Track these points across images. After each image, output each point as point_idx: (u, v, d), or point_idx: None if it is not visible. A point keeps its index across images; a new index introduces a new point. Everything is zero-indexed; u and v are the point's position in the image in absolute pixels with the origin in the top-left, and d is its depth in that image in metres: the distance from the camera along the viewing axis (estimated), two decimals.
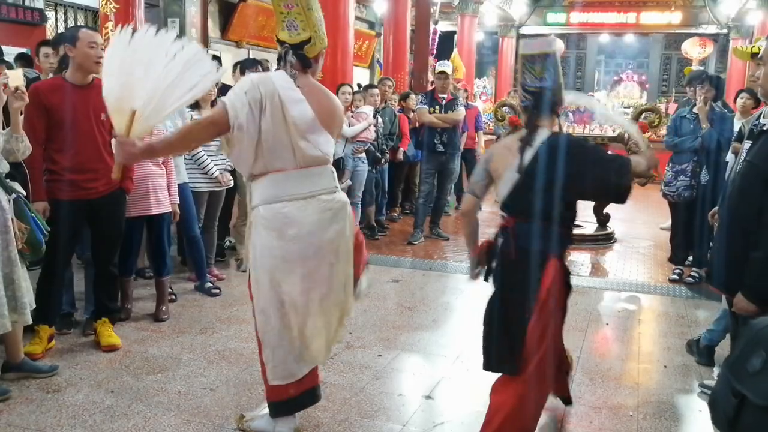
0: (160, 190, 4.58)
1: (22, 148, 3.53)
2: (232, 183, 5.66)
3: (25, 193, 3.61)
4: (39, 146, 3.81)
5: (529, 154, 2.83)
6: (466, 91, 11.20)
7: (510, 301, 2.92)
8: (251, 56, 12.23)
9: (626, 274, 6.41)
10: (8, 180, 3.52)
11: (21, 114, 3.54)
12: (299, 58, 2.94)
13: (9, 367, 3.63)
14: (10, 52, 7.88)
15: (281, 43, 2.99)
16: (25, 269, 3.57)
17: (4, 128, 3.50)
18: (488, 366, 3.02)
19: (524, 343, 2.80)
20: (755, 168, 2.67)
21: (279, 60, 2.99)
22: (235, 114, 2.76)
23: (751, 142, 2.83)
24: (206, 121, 2.93)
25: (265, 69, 6.53)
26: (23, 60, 6.99)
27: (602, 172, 2.77)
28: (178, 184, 5.02)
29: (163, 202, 4.60)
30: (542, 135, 2.84)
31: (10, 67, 5.25)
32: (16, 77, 3.49)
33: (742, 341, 2.20)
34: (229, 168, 5.59)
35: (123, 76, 2.73)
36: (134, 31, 2.77)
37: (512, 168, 2.88)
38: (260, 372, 3.11)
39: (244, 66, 6.08)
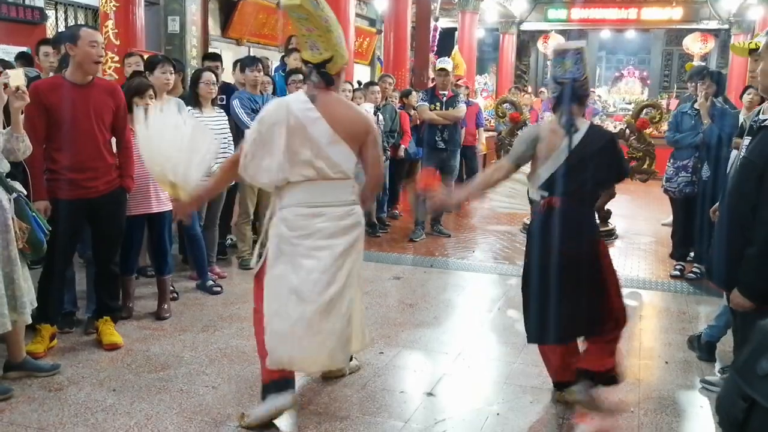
0: (161, 188, 4.58)
1: (23, 148, 3.53)
2: (232, 181, 5.66)
3: (26, 193, 3.61)
4: (39, 145, 3.82)
5: (576, 138, 3.16)
6: (467, 88, 11.20)
7: (567, 275, 3.16)
8: (251, 54, 12.24)
9: (627, 270, 6.41)
10: (9, 179, 3.53)
11: (21, 113, 3.54)
12: (322, 76, 3.15)
13: (11, 366, 3.64)
14: (11, 51, 7.90)
15: (306, 62, 3.22)
16: (27, 268, 3.58)
17: (4, 127, 3.50)
18: (563, 337, 3.34)
19: (607, 306, 3.25)
20: (750, 164, 2.67)
21: (304, 78, 3.59)
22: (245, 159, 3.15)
23: (750, 137, 2.83)
24: (229, 164, 3.30)
25: (265, 66, 6.53)
26: (24, 59, 6.99)
27: (623, 166, 3.50)
28: None
29: (163, 200, 4.61)
30: (584, 122, 3.24)
31: (10, 66, 5.25)
32: (17, 77, 3.48)
33: (752, 343, 2.17)
34: None
35: (152, 154, 3.29)
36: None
37: (561, 150, 3.17)
38: (258, 357, 3.31)
39: (244, 64, 6.07)
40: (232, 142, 5.60)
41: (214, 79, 5.47)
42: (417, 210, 3.12)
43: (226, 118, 5.60)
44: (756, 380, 2.00)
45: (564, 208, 3.20)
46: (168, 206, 4.65)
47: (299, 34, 3.18)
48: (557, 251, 3.16)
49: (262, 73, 6.08)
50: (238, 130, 5.80)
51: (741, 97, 5.77)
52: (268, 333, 3.13)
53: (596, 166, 3.17)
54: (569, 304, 3.15)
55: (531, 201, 3.42)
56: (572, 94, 3.17)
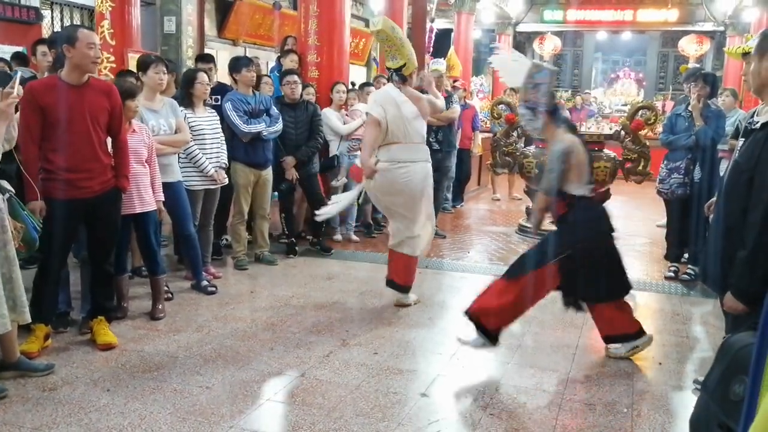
0: (144, 188, 4.57)
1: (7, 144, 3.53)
2: (227, 181, 5.67)
3: (14, 191, 3.60)
4: (35, 145, 3.82)
5: None
6: (464, 90, 11.20)
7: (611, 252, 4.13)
8: (247, 54, 12.25)
9: None
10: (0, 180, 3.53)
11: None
12: (400, 77, 5.03)
13: (5, 365, 3.64)
14: (6, 51, 7.89)
15: (389, 68, 5.12)
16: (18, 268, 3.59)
17: None
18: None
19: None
20: (740, 166, 2.69)
21: (389, 79, 5.25)
22: (380, 116, 4.89)
23: (744, 139, 2.84)
24: (371, 126, 4.94)
25: (256, 66, 6.53)
26: (19, 59, 6.98)
27: None
28: (172, 183, 5.03)
29: (147, 200, 4.59)
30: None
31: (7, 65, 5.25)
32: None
33: (721, 363, 2.12)
34: (224, 165, 5.59)
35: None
36: None
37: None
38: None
39: (241, 64, 6.07)
40: (224, 143, 5.61)
41: (207, 79, 5.49)
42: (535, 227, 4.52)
43: (218, 118, 5.61)
44: (730, 406, 1.95)
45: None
46: (152, 206, 4.64)
47: (383, 49, 5.02)
48: (611, 228, 4.13)
49: (254, 74, 6.08)
50: (231, 130, 5.82)
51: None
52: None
53: None
54: (622, 268, 4.16)
55: (569, 197, 4.03)
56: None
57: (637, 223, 8.94)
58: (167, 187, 4.92)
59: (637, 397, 3.69)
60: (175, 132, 5.07)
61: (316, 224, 6.64)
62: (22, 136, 3.76)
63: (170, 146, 5.01)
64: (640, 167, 7.45)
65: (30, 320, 3.58)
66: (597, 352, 4.39)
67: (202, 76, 5.44)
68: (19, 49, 7.95)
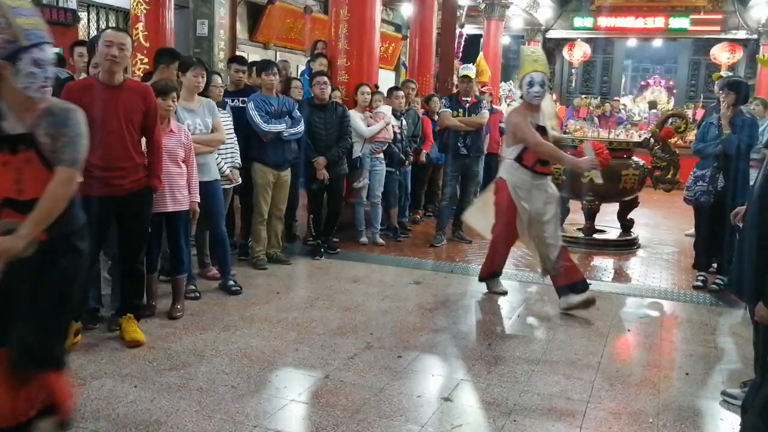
0: (178, 188, 4.63)
1: None
2: (240, 180, 5.73)
3: None
4: None
5: None
6: (491, 95, 11.18)
7: None
8: (278, 58, 12.35)
9: (649, 280, 6.37)
10: None
11: None
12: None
13: None
14: None
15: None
16: None
17: None
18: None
19: None
20: None
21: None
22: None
23: None
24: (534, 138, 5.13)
25: (282, 69, 6.60)
26: (61, 62, 7.11)
27: None
28: (210, 182, 5.11)
29: (180, 200, 4.66)
30: None
31: None
32: None
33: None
34: (238, 165, 5.65)
35: None
36: None
37: None
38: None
39: (260, 68, 6.15)
40: (237, 143, 5.68)
41: (221, 81, 5.70)
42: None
43: (231, 117, 5.70)
44: None
45: None
46: (184, 206, 4.70)
47: (530, 61, 5.37)
48: None
49: (277, 77, 6.15)
50: (249, 130, 5.89)
51: None
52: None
53: None
54: None
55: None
56: None
57: (665, 231, 8.85)
58: (203, 186, 5.01)
59: (663, 408, 3.65)
60: (212, 132, 5.15)
61: (329, 224, 6.75)
62: None
63: (205, 145, 5.08)
64: (669, 175, 7.38)
65: None
66: (622, 361, 4.36)
67: (216, 79, 5.57)
68: (57, 50, 8.09)
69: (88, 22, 10.29)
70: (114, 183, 4.04)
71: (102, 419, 3.24)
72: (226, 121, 5.55)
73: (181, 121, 4.90)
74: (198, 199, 4.81)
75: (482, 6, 16.05)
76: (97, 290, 4.59)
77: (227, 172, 5.50)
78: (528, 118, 5.11)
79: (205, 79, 5.16)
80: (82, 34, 9.50)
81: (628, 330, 4.95)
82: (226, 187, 5.59)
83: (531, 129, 5.06)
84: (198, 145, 4.96)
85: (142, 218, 4.27)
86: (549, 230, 5.20)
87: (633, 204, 7.89)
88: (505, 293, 5.64)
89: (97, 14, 10.50)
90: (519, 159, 5.17)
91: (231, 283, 5.38)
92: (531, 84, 5.13)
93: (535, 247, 5.32)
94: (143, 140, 4.22)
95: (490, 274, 5.64)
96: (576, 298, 5.12)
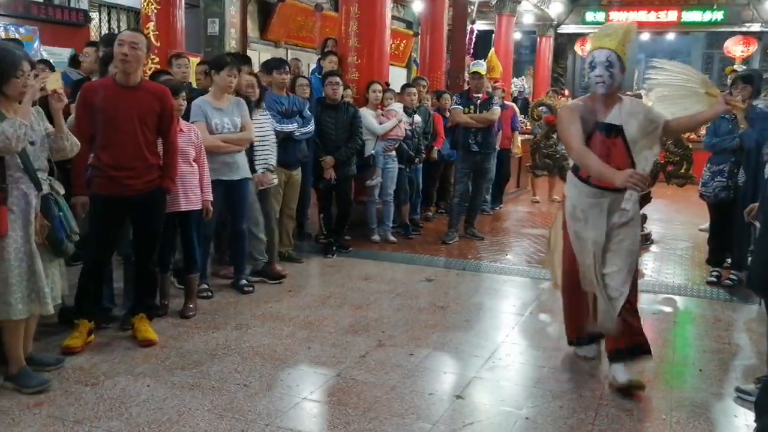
0: (190, 187, 4.64)
1: (68, 146, 3.64)
2: (275, 181, 5.73)
3: (63, 192, 3.71)
4: (85, 143, 3.92)
5: None
6: (503, 91, 11.15)
7: None
8: (289, 56, 12.36)
9: (662, 276, 6.33)
10: (50, 178, 3.63)
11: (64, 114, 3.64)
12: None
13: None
14: (56, 53, 8.10)
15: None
16: (62, 264, 3.72)
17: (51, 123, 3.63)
18: None
19: None
20: None
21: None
22: None
23: None
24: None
25: (294, 68, 6.59)
26: (75, 62, 7.17)
27: None
28: (238, 180, 5.14)
29: (192, 199, 4.67)
30: None
31: (52, 68, 5.38)
32: (54, 80, 3.60)
33: None
34: (272, 168, 5.65)
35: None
36: None
37: None
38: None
39: (271, 66, 6.14)
40: (274, 144, 5.71)
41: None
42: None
43: (270, 118, 5.71)
44: None
45: None
46: (197, 206, 4.71)
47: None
48: None
49: (289, 76, 6.14)
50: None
51: None
52: None
53: None
54: None
55: None
56: None
57: (678, 226, 8.80)
58: (231, 184, 5.05)
59: (676, 404, 3.63)
60: (240, 131, 5.15)
61: (339, 223, 6.75)
62: (74, 133, 3.87)
63: (233, 144, 5.09)
64: (683, 170, 7.32)
65: (52, 312, 3.62)
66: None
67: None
68: (68, 50, 8.14)
69: (100, 23, 10.35)
70: (125, 183, 4.05)
71: (115, 418, 3.25)
72: (263, 122, 5.58)
73: (208, 120, 4.93)
74: (210, 198, 4.82)
75: (493, 2, 16.00)
76: (109, 290, 4.61)
77: (259, 173, 5.52)
78: (580, 113, 3.74)
79: (236, 79, 5.16)
80: (93, 35, 9.55)
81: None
82: (261, 188, 5.61)
83: (574, 128, 3.69)
84: (225, 144, 4.98)
85: (155, 219, 4.28)
86: (613, 271, 3.79)
87: (645, 199, 7.83)
88: (592, 359, 4.17)
89: (109, 14, 10.56)
90: (575, 169, 3.93)
91: (244, 282, 5.39)
92: (592, 65, 3.74)
93: (599, 292, 3.82)
94: (159, 141, 4.24)
95: (576, 337, 4.17)
96: (622, 376, 3.73)
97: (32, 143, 3.49)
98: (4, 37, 7.72)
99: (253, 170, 5.39)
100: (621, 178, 3.37)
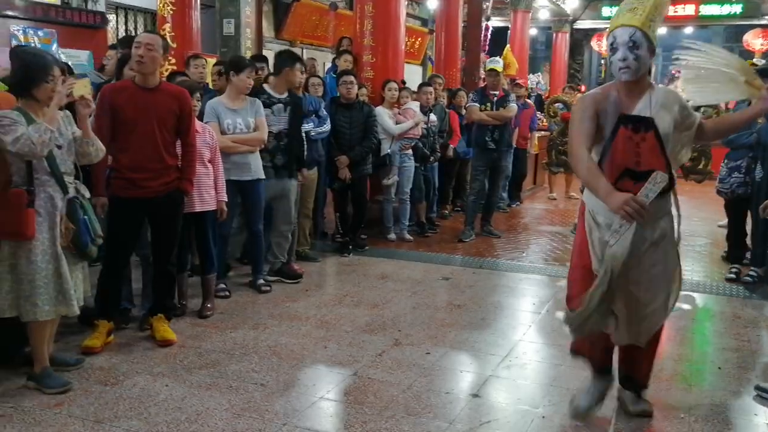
0: (205, 188, 4.66)
1: (94, 151, 3.68)
2: (303, 180, 5.82)
3: (89, 196, 3.75)
4: (104, 145, 3.96)
5: None
6: (526, 89, 11.09)
7: None
8: (305, 55, 12.37)
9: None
10: (76, 181, 3.68)
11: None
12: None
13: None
14: (74, 55, 8.16)
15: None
16: (86, 266, 3.77)
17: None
18: None
19: None
20: None
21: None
22: None
23: None
24: None
25: (311, 67, 6.61)
26: (91, 64, 7.25)
27: None
28: (250, 180, 5.15)
29: (207, 200, 4.69)
30: None
31: (72, 72, 5.43)
32: (81, 86, 3.59)
33: None
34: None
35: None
36: None
37: None
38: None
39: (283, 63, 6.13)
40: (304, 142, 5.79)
41: None
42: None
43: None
44: None
45: None
46: (211, 206, 4.73)
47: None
48: None
49: (304, 75, 6.15)
50: None
51: None
52: None
53: None
54: None
55: None
56: None
57: (697, 223, 8.71)
58: (243, 184, 5.06)
59: (694, 403, 3.61)
60: (254, 131, 5.18)
61: (355, 222, 6.77)
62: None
63: (245, 144, 5.11)
64: (701, 166, 7.28)
65: (78, 313, 3.68)
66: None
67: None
68: (85, 53, 8.21)
69: (117, 24, 10.42)
70: (143, 185, 4.09)
71: (134, 418, 3.29)
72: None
73: (221, 120, 4.96)
74: (225, 198, 4.84)
75: None
76: (128, 290, 4.65)
77: (304, 171, 5.63)
78: (597, 106, 3.12)
79: (253, 81, 5.22)
80: (111, 37, 9.62)
81: None
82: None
83: (582, 125, 3.11)
84: (237, 144, 5.01)
85: (173, 221, 4.31)
86: (650, 292, 3.17)
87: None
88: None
89: (126, 16, 10.63)
90: None
91: (261, 281, 5.41)
92: (613, 47, 3.07)
93: (624, 316, 3.18)
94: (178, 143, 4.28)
95: (598, 369, 3.46)
96: (635, 407, 3.44)
97: (59, 147, 3.54)
98: (23, 40, 7.80)
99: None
100: (615, 203, 2.82)
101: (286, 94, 5.51)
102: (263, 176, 5.28)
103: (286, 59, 5.51)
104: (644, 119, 3.05)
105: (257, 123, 5.18)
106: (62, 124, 3.58)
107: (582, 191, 3.31)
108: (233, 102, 5.11)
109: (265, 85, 5.52)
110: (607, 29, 3.19)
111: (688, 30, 20.72)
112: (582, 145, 3.06)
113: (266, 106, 5.34)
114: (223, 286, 5.21)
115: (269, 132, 5.31)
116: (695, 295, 5.63)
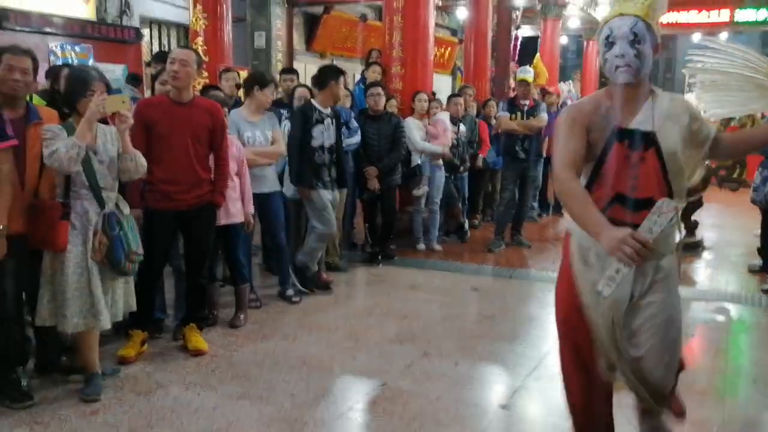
0: (231, 201, 4.67)
1: (133, 167, 3.71)
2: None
3: (128, 212, 3.80)
4: None
5: None
6: (558, 96, 11.04)
7: None
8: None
9: (715, 283, 6.20)
10: (119, 196, 3.76)
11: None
12: None
13: (75, 369, 3.82)
14: (109, 70, 8.34)
15: None
16: (130, 281, 3.85)
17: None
18: None
19: None
20: None
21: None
22: None
23: None
24: None
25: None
26: (134, 80, 7.40)
27: None
28: (267, 193, 5.20)
29: (233, 213, 4.72)
30: None
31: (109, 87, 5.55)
32: (113, 102, 3.55)
33: None
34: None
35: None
36: None
37: None
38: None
39: (328, 77, 6.18)
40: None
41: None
42: None
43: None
44: None
45: None
46: (238, 219, 4.77)
47: None
48: None
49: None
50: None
51: None
52: None
53: None
54: None
55: None
56: None
57: (733, 232, 8.59)
58: (261, 197, 5.11)
59: (728, 417, 3.56)
60: (271, 144, 5.25)
61: (384, 233, 6.79)
62: None
63: (263, 157, 5.17)
64: (735, 174, 7.18)
65: (107, 327, 3.72)
66: (687, 368, 4.25)
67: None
68: (120, 67, 8.39)
69: (151, 39, 10.63)
70: (176, 198, 4.16)
71: (167, 427, 3.34)
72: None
73: (240, 133, 5.02)
74: (252, 210, 4.89)
75: (538, 7, 15.89)
76: (162, 300, 4.73)
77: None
78: (586, 118, 2.50)
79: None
80: (145, 51, 9.82)
81: (692, 335, 4.82)
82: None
83: (568, 144, 2.47)
84: (255, 157, 5.07)
85: (205, 233, 4.38)
86: (649, 345, 2.56)
87: (697, 205, 7.68)
88: None
89: (159, 31, 10.83)
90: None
91: (290, 292, 5.45)
92: (609, 41, 2.51)
93: (628, 372, 2.64)
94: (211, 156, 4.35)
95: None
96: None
97: (101, 162, 3.61)
98: (60, 56, 8.01)
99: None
100: (610, 241, 2.21)
101: (330, 109, 5.58)
102: (279, 188, 5.36)
103: (331, 73, 5.56)
104: (644, 134, 2.45)
105: (274, 136, 5.25)
106: (108, 140, 3.66)
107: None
108: (252, 116, 5.18)
109: (312, 101, 5.56)
110: (601, 21, 2.63)
111: (723, 37, 20.48)
112: (567, 168, 2.44)
113: (318, 121, 5.43)
114: (254, 296, 5.26)
115: (322, 146, 5.41)
116: (730, 306, 5.55)
